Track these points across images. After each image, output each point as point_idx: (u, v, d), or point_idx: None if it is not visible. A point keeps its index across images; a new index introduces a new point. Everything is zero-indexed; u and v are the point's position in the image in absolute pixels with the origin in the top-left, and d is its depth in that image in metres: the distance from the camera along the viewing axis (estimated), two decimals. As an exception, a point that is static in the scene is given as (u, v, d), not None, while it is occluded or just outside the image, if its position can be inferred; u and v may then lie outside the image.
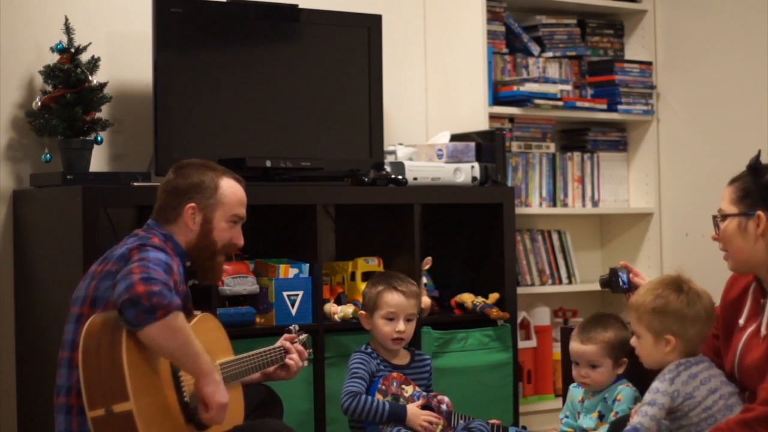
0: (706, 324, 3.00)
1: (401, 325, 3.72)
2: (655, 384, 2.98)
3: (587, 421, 3.50)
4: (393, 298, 3.73)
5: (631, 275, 3.33)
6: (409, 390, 3.69)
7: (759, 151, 3.03)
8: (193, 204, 3.17)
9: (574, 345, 3.52)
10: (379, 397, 3.62)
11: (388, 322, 3.73)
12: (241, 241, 3.28)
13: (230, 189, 3.24)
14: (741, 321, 3.03)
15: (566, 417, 3.58)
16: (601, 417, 3.47)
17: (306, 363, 3.50)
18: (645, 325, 3.02)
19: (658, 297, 3.01)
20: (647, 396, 2.98)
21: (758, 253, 2.96)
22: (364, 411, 3.58)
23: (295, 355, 3.44)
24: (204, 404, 2.88)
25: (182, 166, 3.26)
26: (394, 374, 3.69)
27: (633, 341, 3.10)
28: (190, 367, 2.87)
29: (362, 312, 3.85)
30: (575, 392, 3.58)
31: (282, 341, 3.46)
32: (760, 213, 2.94)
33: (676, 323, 2.98)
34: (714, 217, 3.06)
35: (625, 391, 3.45)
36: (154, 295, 2.72)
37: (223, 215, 3.21)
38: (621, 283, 3.35)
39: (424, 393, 3.72)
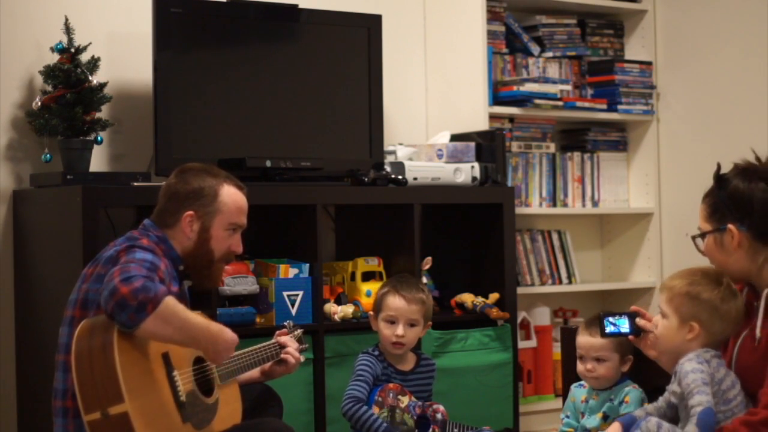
0: (733, 324, 2.96)
1: (400, 330, 3.69)
2: (690, 366, 2.92)
3: (591, 421, 3.49)
4: (394, 302, 3.71)
5: (639, 320, 3.17)
6: (405, 400, 3.68)
7: (718, 165, 3.02)
8: (191, 212, 3.16)
9: (582, 338, 3.47)
10: (375, 409, 3.61)
11: (388, 325, 3.72)
12: (239, 249, 3.27)
13: (230, 197, 3.22)
14: None
15: (567, 417, 3.57)
16: (606, 418, 3.45)
17: (302, 358, 3.50)
18: (674, 306, 2.99)
19: (694, 283, 2.98)
20: (692, 379, 2.90)
21: (739, 262, 2.97)
22: (361, 421, 3.57)
23: (290, 349, 3.43)
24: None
25: (184, 171, 3.24)
26: (391, 385, 3.68)
27: (656, 319, 3.06)
28: (191, 345, 2.94)
29: (371, 313, 3.84)
30: (577, 392, 3.56)
31: (276, 338, 3.45)
32: (730, 226, 2.95)
33: (705, 313, 2.95)
34: (693, 237, 3.07)
35: (632, 392, 3.43)
36: (138, 292, 2.72)
37: (222, 223, 3.20)
38: (606, 328, 3.20)
39: (420, 403, 3.71)
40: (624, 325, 3.19)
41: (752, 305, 2.99)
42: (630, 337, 3.18)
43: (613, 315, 3.20)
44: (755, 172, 2.97)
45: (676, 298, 2.99)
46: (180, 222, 3.16)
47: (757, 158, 3.01)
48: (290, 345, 3.45)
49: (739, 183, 2.97)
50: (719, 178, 3.01)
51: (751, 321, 2.97)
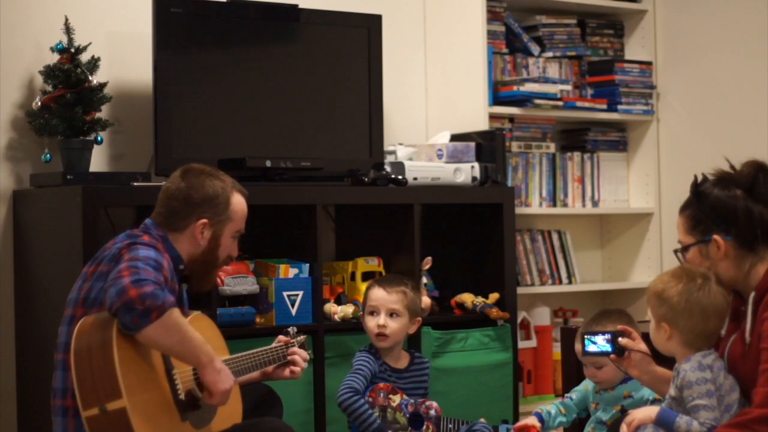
0: (701, 320, 2.95)
1: (381, 319, 3.71)
2: (695, 376, 2.92)
3: (606, 414, 3.50)
4: (375, 293, 3.76)
5: (621, 339, 3.14)
6: (396, 399, 3.69)
7: (695, 177, 3.02)
8: (205, 220, 3.15)
9: (576, 347, 3.52)
10: None
11: (371, 317, 3.75)
12: (235, 253, 3.29)
13: (239, 205, 3.23)
14: (722, 331, 3.03)
15: (571, 398, 3.58)
16: (623, 411, 3.47)
17: (305, 364, 3.50)
18: (650, 309, 3.02)
19: (661, 282, 2.99)
20: (697, 392, 2.90)
21: (727, 271, 2.97)
22: (356, 412, 3.58)
23: (297, 368, 3.44)
24: (208, 391, 2.93)
25: (193, 174, 3.20)
26: (381, 385, 3.70)
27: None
28: (189, 359, 2.91)
29: (361, 313, 3.86)
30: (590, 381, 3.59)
31: (277, 343, 3.44)
32: (715, 237, 2.95)
33: (669, 311, 2.96)
34: (675, 252, 3.07)
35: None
36: (146, 297, 2.72)
37: (230, 231, 3.21)
38: (587, 347, 3.18)
39: (412, 401, 3.72)
40: (605, 345, 3.18)
41: (739, 311, 2.99)
42: (612, 356, 3.17)
43: (595, 333, 3.19)
44: (732, 180, 2.98)
45: (650, 299, 3.02)
46: (191, 228, 3.15)
47: (732, 167, 3.02)
48: (298, 361, 3.45)
49: (719, 193, 2.97)
50: (698, 191, 3.01)
51: (739, 326, 2.98)
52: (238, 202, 3.23)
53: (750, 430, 2.77)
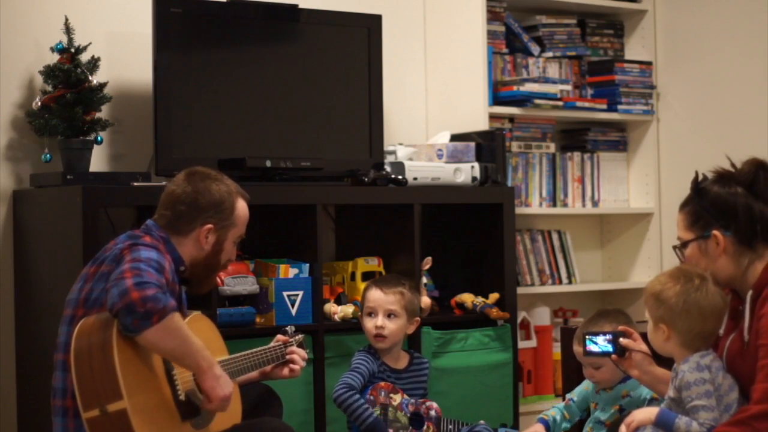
0: (699, 321, 2.95)
1: (379, 320, 3.73)
2: (693, 377, 2.93)
3: (605, 413, 3.51)
4: (372, 294, 3.77)
5: (623, 339, 3.14)
6: (397, 398, 3.70)
7: (696, 174, 3.03)
8: (210, 225, 3.15)
9: (574, 348, 3.53)
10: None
11: (369, 318, 3.76)
12: (234, 257, 3.30)
13: (242, 210, 3.24)
14: (720, 330, 3.04)
15: (573, 400, 3.59)
16: (622, 411, 3.48)
17: (304, 363, 3.50)
18: (648, 309, 3.02)
19: (658, 283, 3.00)
20: (696, 393, 2.91)
21: (725, 268, 2.97)
22: (351, 407, 3.59)
23: (296, 366, 3.44)
24: (207, 397, 2.93)
25: (199, 178, 3.20)
26: (382, 384, 3.70)
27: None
28: (189, 364, 2.90)
29: (360, 314, 3.87)
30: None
31: (275, 342, 3.45)
32: (715, 233, 2.96)
33: (667, 312, 2.96)
34: (674, 248, 3.07)
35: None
36: (148, 300, 2.72)
37: (233, 237, 3.22)
38: (588, 347, 3.18)
39: (412, 401, 3.72)
40: (606, 345, 3.18)
41: (737, 310, 3.00)
42: (613, 356, 3.17)
43: (596, 334, 3.19)
44: (732, 178, 2.99)
45: (647, 301, 3.02)
46: (195, 232, 3.15)
47: (733, 165, 3.03)
48: (297, 360, 3.45)
49: (719, 190, 2.99)
50: (698, 187, 3.01)
51: (737, 325, 2.98)
52: (242, 207, 3.24)
53: (750, 427, 2.77)
